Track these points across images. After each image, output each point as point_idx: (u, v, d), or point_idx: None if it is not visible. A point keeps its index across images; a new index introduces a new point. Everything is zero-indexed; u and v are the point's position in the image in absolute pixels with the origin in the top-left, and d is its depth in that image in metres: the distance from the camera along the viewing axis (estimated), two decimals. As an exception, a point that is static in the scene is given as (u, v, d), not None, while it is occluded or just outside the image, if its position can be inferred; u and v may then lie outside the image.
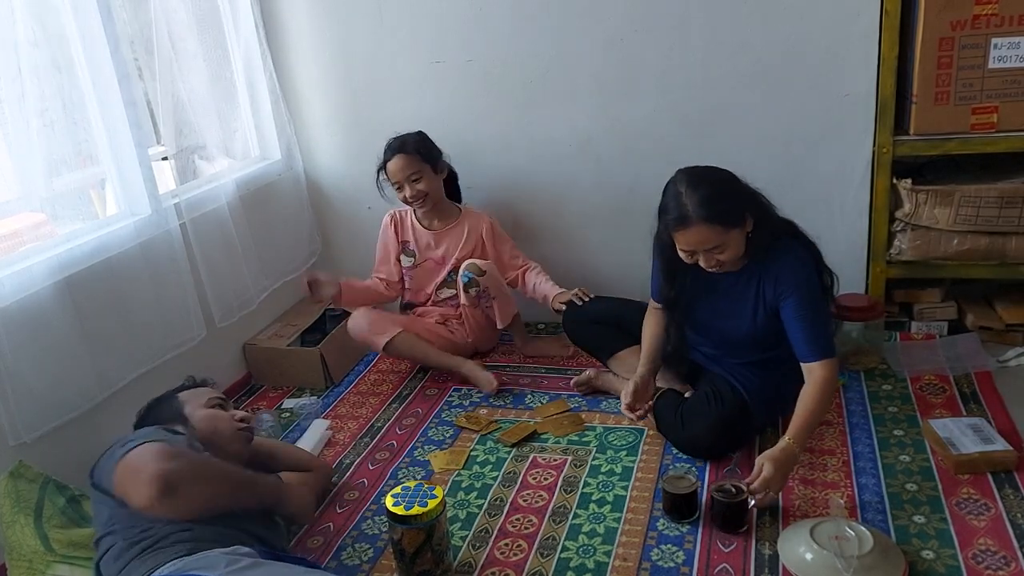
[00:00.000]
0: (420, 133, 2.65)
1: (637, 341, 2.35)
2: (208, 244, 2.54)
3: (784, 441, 1.86)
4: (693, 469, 2.00)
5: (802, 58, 2.55)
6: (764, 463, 1.81)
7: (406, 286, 2.81)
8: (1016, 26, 2.29)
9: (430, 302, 2.77)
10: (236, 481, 1.63)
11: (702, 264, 1.95)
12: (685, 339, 2.18)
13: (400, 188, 2.61)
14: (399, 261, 2.78)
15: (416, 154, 2.58)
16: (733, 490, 1.83)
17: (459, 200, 2.82)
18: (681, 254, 1.97)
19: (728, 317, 2.08)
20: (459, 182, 2.81)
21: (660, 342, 2.21)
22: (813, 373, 1.93)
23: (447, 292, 2.74)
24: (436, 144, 2.66)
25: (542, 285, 2.68)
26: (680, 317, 2.15)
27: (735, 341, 2.11)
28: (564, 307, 2.55)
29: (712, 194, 1.88)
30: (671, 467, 1.99)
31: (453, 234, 2.72)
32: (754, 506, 1.82)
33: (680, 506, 1.87)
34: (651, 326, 2.26)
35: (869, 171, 2.60)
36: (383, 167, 2.63)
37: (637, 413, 2.13)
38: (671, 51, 2.64)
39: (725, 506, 1.82)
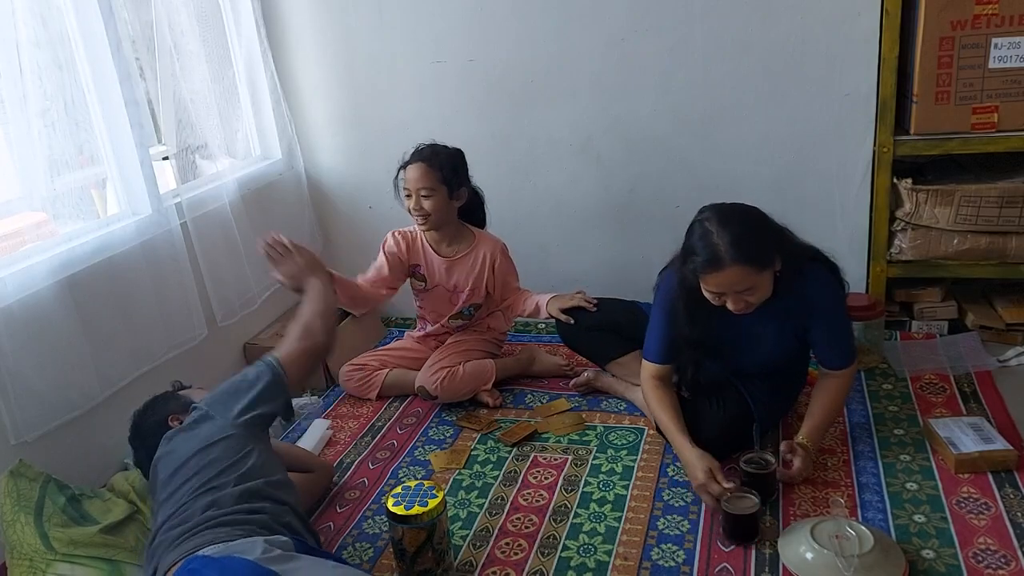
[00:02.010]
0: (458, 152, 2.45)
1: (636, 346, 2.33)
2: (209, 243, 2.54)
3: (800, 440, 1.98)
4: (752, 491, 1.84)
5: (803, 58, 2.55)
6: (796, 448, 1.95)
7: (418, 304, 2.68)
8: (1016, 26, 2.29)
9: (441, 324, 2.65)
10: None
11: (730, 306, 1.87)
12: (699, 377, 2.10)
13: (408, 196, 2.41)
14: (408, 281, 2.61)
15: (438, 171, 2.38)
16: (762, 462, 1.89)
17: (482, 224, 2.62)
18: (707, 295, 1.88)
19: (749, 348, 2.05)
20: (484, 207, 2.62)
21: (677, 406, 2.06)
22: (832, 377, 2.03)
23: (458, 322, 2.64)
24: (467, 169, 2.47)
25: (533, 297, 2.53)
26: (698, 356, 2.05)
27: (752, 363, 2.08)
28: (563, 316, 2.42)
29: (745, 234, 1.80)
30: (730, 493, 1.82)
31: (465, 263, 2.53)
32: (781, 477, 1.91)
33: (747, 527, 1.78)
34: (662, 397, 2.06)
35: (870, 170, 2.60)
36: (403, 167, 2.43)
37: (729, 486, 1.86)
38: (672, 51, 2.64)
39: (756, 477, 1.85)
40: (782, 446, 1.96)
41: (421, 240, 2.56)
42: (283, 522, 1.54)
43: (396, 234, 2.58)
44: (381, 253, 2.56)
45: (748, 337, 2.03)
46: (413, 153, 2.43)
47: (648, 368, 2.12)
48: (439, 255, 2.55)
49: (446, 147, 2.44)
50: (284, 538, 1.47)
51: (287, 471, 1.94)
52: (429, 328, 2.67)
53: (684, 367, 2.08)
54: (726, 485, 1.83)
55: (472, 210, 2.58)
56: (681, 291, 1.96)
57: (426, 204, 2.39)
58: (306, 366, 1.85)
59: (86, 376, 2.09)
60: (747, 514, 1.77)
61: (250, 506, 1.53)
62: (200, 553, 1.39)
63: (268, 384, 1.73)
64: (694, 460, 1.90)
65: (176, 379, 2.01)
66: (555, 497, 2.01)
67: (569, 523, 1.91)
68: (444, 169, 2.39)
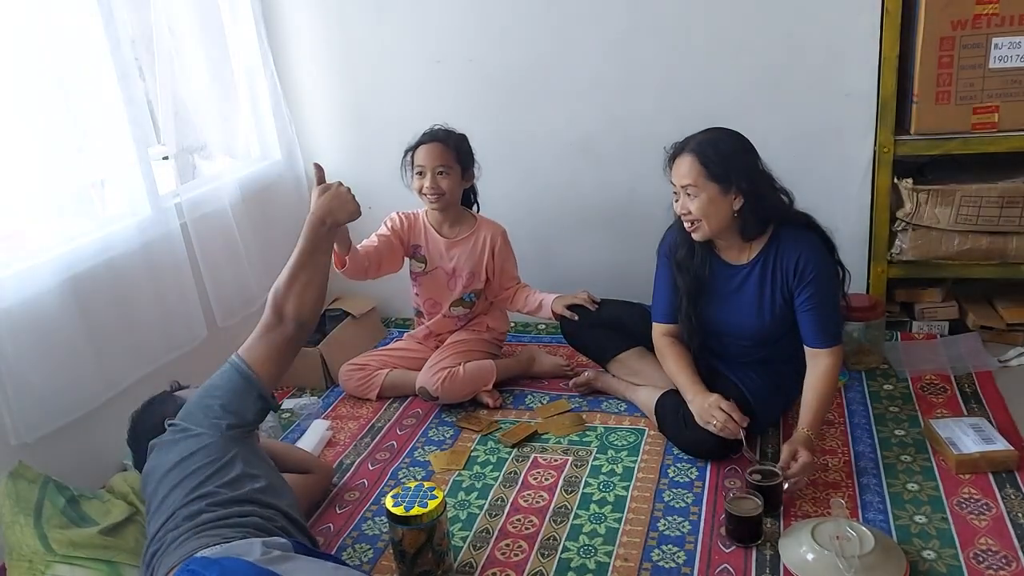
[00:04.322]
0: (465, 136, 2.50)
1: (637, 343, 2.35)
2: (209, 244, 2.53)
3: (802, 431, 1.96)
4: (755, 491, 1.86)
5: (803, 58, 2.55)
6: (798, 449, 1.91)
7: (415, 291, 2.67)
8: (1017, 26, 2.29)
9: (441, 315, 2.63)
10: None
11: (677, 208, 1.99)
12: (696, 333, 2.13)
13: (422, 175, 2.42)
14: (409, 265, 2.62)
15: (455, 150, 2.43)
16: (769, 473, 1.87)
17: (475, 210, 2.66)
18: (673, 196, 2.02)
19: (739, 311, 2.08)
20: (477, 196, 2.65)
21: (691, 360, 2.14)
22: (819, 360, 2.01)
23: (459, 311, 2.63)
24: (473, 153, 2.51)
25: (537, 295, 2.56)
26: (695, 298, 2.10)
27: (743, 335, 2.10)
28: (568, 312, 2.44)
29: (715, 141, 1.96)
30: (730, 491, 1.89)
31: (465, 245, 2.55)
32: (787, 489, 1.88)
33: (750, 529, 1.78)
34: (674, 352, 2.15)
35: (870, 171, 2.59)
36: (413, 148, 2.45)
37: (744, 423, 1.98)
38: (672, 51, 2.64)
39: (763, 490, 1.83)
40: (784, 449, 1.95)
41: (423, 221, 2.58)
42: (278, 526, 1.54)
43: (399, 214, 2.61)
44: (384, 227, 2.58)
45: (740, 295, 2.06)
46: (424, 134, 2.45)
47: (658, 329, 2.21)
48: (441, 235, 2.56)
49: (454, 130, 2.48)
50: (282, 539, 1.47)
51: (286, 471, 1.94)
52: (428, 322, 2.66)
53: (686, 315, 2.11)
54: (735, 416, 1.94)
55: (468, 198, 2.61)
56: (674, 211, 2.06)
57: (442, 182, 2.43)
58: (279, 354, 1.72)
59: (87, 378, 2.08)
60: (750, 516, 1.77)
61: (240, 509, 1.52)
62: (199, 555, 1.39)
63: (234, 387, 1.68)
64: (703, 394, 2.02)
65: (174, 379, 2.01)
66: (555, 498, 2.01)
67: (569, 524, 1.91)
68: (460, 149, 2.44)
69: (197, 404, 1.70)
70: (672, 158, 2.01)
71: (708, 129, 2.02)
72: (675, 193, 2.02)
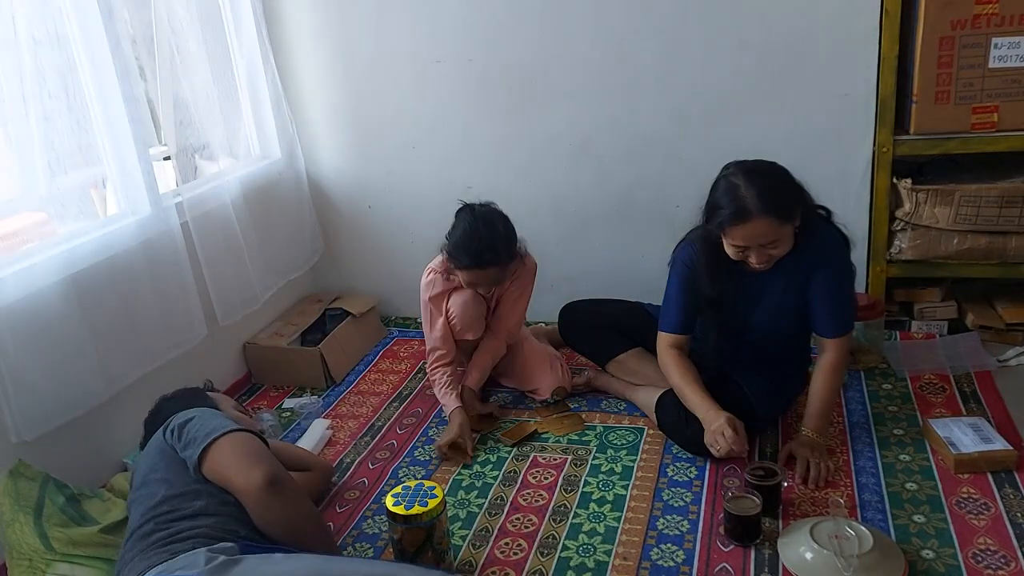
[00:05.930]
0: (507, 225, 2.30)
1: (636, 344, 2.35)
2: (210, 243, 2.54)
3: (806, 433, 2.02)
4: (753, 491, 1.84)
5: (802, 57, 2.55)
6: (808, 455, 1.97)
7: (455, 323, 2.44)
8: (1016, 26, 2.29)
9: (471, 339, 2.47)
10: (317, 518, 1.70)
11: (752, 260, 1.91)
12: (720, 346, 2.09)
13: (475, 284, 2.32)
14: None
15: (509, 260, 2.29)
16: (767, 472, 1.87)
17: None
18: (730, 250, 1.92)
19: (761, 313, 2.07)
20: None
21: (697, 375, 2.09)
22: (825, 353, 2.03)
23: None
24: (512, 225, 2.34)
25: (471, 370, 2.43)
26: (718, 317, 2.07)
27: (759, 333, 2.10)
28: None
29: (770, 186, 1.86)
30: (729, 489, 1.87)
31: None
32: (787, 487, 1.89)
33: (749, 528, 1.78)
34: (680, 366, 2.09)
35: (869, 170, 2.60)
36: (466, 267, 2.24)
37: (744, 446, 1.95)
38: (671, 51, 2.64)
39: (762, 489, 1.83)
40: (782, 450, 1.96)
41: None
42: (228, 528, 1.52)
43: (431, 273, 2.41)
44: (430, 306, 2.41)
45: (755, 288, 2.05)
46: (474, 255, 2.22)
47: (665, 339, 2.16)
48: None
49: (494, 224, 2.27)
50: (229, 543, 1.46)
51: (288, 469, 1.94)
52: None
53: (705, 332, 2.10)
54: (744, 444, 1.92)
55: None
56: (703, 248, 2.00)
57: (498, 290, 2.41)
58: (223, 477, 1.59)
59: (87, 376, 2.08)
60: (749, 515, 1.77)
61: (191, 523, 1.51)
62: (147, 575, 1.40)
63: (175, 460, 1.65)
64: (714, 415, 1.97)
65: (208, 379, 2.01)
66: (555, 497, 2.02)
67: (569, 523, 1.91)
68: (511, 255, 2.31)
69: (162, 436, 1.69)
70: (735, 223, 1.86)
71: (749, 176, 1.87)
72: (737, 247, 1.91)
